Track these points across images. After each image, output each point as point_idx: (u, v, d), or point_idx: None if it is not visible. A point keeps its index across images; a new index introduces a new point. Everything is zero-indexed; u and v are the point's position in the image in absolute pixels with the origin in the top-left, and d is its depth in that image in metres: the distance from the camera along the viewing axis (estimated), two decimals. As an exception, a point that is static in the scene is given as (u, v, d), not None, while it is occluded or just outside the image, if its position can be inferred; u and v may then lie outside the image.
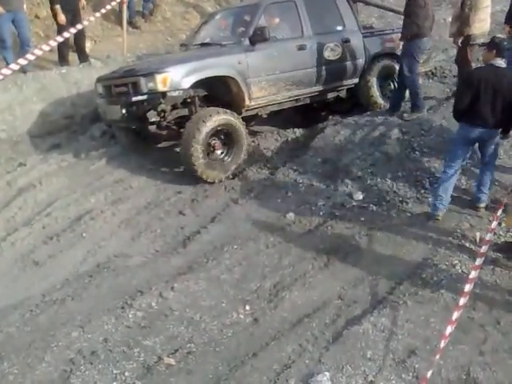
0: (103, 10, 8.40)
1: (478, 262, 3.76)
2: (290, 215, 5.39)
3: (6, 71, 6.50)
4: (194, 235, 5.27)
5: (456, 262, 4.37)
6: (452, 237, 4.68)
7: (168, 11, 10.08)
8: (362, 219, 5.17)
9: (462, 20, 6.64)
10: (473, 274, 3.52)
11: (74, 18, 7.85)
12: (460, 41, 6.77)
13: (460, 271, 4.26)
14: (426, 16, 6.40)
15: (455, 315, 3.30)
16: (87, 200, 5.93)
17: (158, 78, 5.84)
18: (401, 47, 6.52)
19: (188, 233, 5.33)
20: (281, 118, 7.39)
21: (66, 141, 7.17)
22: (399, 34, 6.74)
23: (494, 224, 4.13)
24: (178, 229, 5.43)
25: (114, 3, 8.45)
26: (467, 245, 4.56)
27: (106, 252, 5.12)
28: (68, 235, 5.37)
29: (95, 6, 9.04)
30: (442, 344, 3.17)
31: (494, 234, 4.47)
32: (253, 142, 7.01)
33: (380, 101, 7.30)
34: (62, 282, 4.69)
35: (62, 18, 7.76)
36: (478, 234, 4.61)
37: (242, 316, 4.09)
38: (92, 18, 8.08)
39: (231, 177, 6.26)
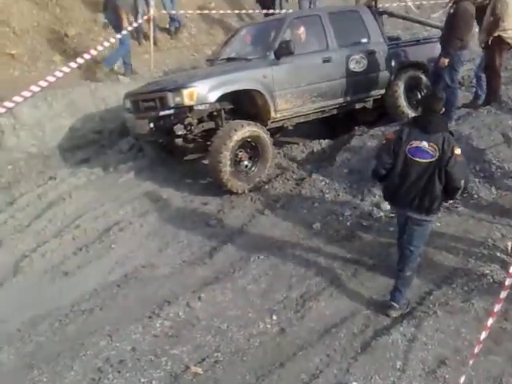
0: (130, 28, 8.60)
1: (512, 269, 3.66)
2: (317, 225, 5.36)
3: (35, 88, 6.69)
4: (221, 246, 5.28)
5: (487, 271, 4.27)
6: (483, 246, 4.59)
7: (193, 27, 10.25)
8: (391, 229, 5.10)
9: (492, 25, 6.58)
10: (508, 282, 3.43)
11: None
12: (490, 40, 6.65)
13: (491, 281, 4.16)
14: (469, 30, 6.43)
15: (490, 321, 3.23)
16: (116, 212, 6.01)
17: (185, 92, 5.93)
18: (446, 62, 6.43)
19: (214, 243, 5.35)
20: (307, 128, 7.40)
21: (94, 155, 7.32)
22: (432, 45, 6.78)
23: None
24: (204, 239, 5.45)
25: (140, 21, 8.65)
26: (498, 254, 4.46)
27: (134, 262, 5.17)
28: (97, 246, 5.44)
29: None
30: (476, 350, 3.10)
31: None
32: (278, 153, 7.03)
33: (407, 111, 7.24)
34: (90, 292, 4.75)
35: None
36: (509, 244, 4.51)
37: (268, 326, 4.07)
38: (118, 36, 8.27)
39: (257, 188, 6.27)
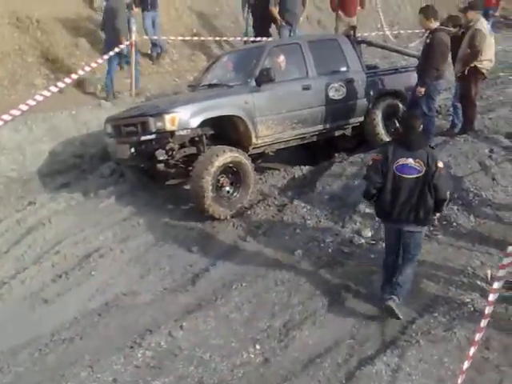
0: (111, 53, 8.65)
1: (492, 297, 3.72)
2: (299, 252, 5.38)
3: (15, 112, 6.66)
4: (203, 273, 5.26)
5: (468, 300, 4.34)
6: (463, 274, 4.66)
7: (175, 53, 10.33)
8: (372, 256, 5.16)
9: (469, 56, 6.77)
10: (488, 310, 3.49)
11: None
12: (466, 70, 6.83)
13: (472, 309, 4.23)
14: (444, 60, 6.61)
15: (472, 350, 3.27)
16: (96, 238, 5.95)
17: (167, 117, 5.96)
18: (422, 91, 6.59)
19: (197, 270, 5.33)
20: (287, 155, 7.47)
21: (75, 180, 7.26)
22: (409, 74, 7.02)
23: (506, 260, 4.11)
24: (186, 266, 5.42)
25: (122, 46, 8.69)
26: (478, 282, 4.54)
27: (115, 290, 5.12)
28: (77, 273, 5.37)
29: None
30: (460, 380, 3.13)
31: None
32: (260, 179, 7.07)
33: (386, 138, 7.35)
34: (70, 320, 4.68)
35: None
36: (489, 272, 4.58)
37: (252, 356, 4.06)
38: (100, 61, 8.31)
39: (239, 214, 6.28)
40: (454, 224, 5.37)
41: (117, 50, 8.29)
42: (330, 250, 5.38)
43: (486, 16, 8.81)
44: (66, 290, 5.13)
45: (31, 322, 4.72)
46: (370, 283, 4.74)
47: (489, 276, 4.51)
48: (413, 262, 4.36)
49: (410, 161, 4.16)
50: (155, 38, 9.70)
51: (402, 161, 4.18)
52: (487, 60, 6.84)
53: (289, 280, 4.96)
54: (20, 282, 5.26)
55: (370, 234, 5.52)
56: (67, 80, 7.70)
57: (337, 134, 7.50)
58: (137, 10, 9.25)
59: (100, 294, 5.08)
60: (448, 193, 4.19)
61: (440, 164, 4.18)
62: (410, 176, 4.16)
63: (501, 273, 3.97)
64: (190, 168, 6.19)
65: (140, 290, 5.10)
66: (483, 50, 6.73)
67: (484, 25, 6.93)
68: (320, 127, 7.16)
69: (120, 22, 8.42)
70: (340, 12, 10.55)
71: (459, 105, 7.20)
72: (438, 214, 4.54)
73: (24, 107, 6.87)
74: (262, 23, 10.07)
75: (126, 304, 4.88)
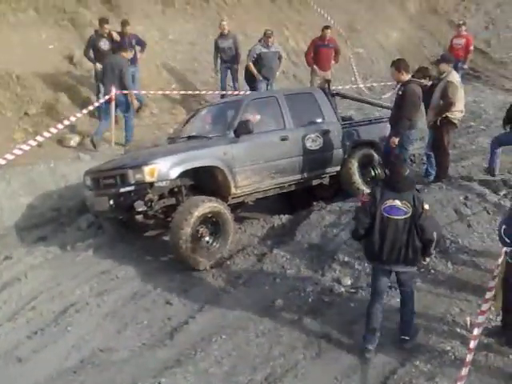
0: (91, 107, 8.79)
1: (473, 344, 3.73)
2: (279, 302, 5.34)
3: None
4: (182, 326, 5.17)
5: (448, 348, 4.33)
6: (443, 322, 4.67)
7: (155, 107, 10.48)
8: (352, 305, 5.14)
9: (442, 107, 6.98)
10: (468, 357, 3.48)
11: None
12: (438, 120, 7.03)
13: (453, 357, 4.21)
14: (417, 111, 6.81)
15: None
16: (72, 292, 5.84)
17: (146, 169, 6.00)
18: (396, 141, 6.76)
19: (175, 323, 5.23)
20: (266, 204, 7.52)
21: (52, 233, 7.18)
22: (383, 124, 7.25)
23: (485, 306, 4.14)
24: (165, 320, 5.32)
25: (102, 101, 8.83)
26: (458, 330, 4.54)
27: (91, 346, 4.99)
28: (52, 329, 5.24)
29: (84, 103, 9.41)
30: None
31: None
32: (239, 228, 7.07)
33: (362, 187, 7.47)
34: (45, 379, 4.54)
35: None
36: (468, 319, 4.60)
37: (233, 411, 3.94)
38: (79, 115, 8.41)
39: (219, 264, 6.24)
40: (432, 271, 5.40)
41: (91, 107, 8.48)
42: (310, 300, 5.35)
43: (456, 68, 9.15)
44: (41, 347, 4.99)
45: (4, 382, 4.55)
46: (350, 334, 4.71)
47: (468, 323, 4.52)
48: (412, 295, 4.53)
49: (397, 202, 4.31)
50: (135, 92, 9.86)
51: (389, 202, 4.33)
52: (458, 111, 7.07)
53: (269, 331, 4.90)
54: (-7, 339, 5.10)
55: (349, 282, 5.52)
56: (46, 134, 7.76)
57: (314, 182, 7.62)
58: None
59: (76, 350, 4.94)
60: (435, 234, 4.30)
61: (426, 206, 4.34)
62: (397, 217, 4.29)
63: (480, 319, 4.00)
64: (169, 219, 6.19)
65: (117, 346, 4.97)
66: (455, 101, 6.96)
67: (456, 77, 7.18)
68: (298, 176, 7.26)
69: (127, 79, 8.82)
70: (315, 67, 10.89)
71: (432, 154, 7.39)
72: (427, 259, 4.66)
73: (2, 161, 6.88)
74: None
75: (102, 361, 4.75)
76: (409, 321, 4.48)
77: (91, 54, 9.37)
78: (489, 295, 4.26)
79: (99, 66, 9.20)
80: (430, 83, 7.38)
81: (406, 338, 4.41)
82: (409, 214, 4.28)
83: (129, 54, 9.15)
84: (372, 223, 4.36)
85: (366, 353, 4.33)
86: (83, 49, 9.55)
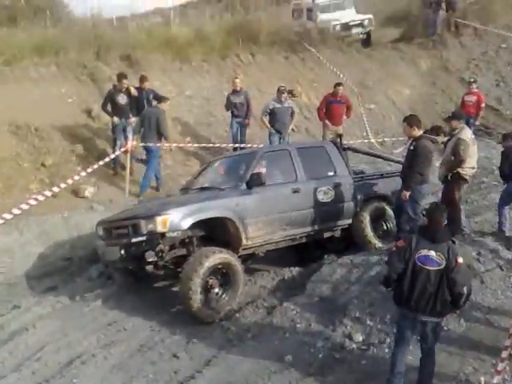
0: (107, 159, 8.97)
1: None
2: (289, 357, 5.21)
3: (7, 215, 6.75)
4: (188, 380, 5.05)
5: (463, 407, 4.16)
6: (456, 381, 4.50)
7: (170, 159, 10.66)
8: (363, 362, 5.00)
9: (453, 163, 7.00)
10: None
11: None
12: (449, 176, 7.03)
13: (468, 418, 4.03)
14: (428, 165, 6.84)
15: None
16: (79, 343, 5.77)
17: (158, 219, 6.05)
18: (407, 196, 6.79)
19: (181, 378, 5.11)
20: (277, 256, 7.47)
21: (62, 282, 7.20)
22: (394, 178, 7.30)
23: (501, 366, 4.00)
24: (171, 373, 5.21)
25: (118, 153, 9.03)
26: (472, 389, 4.38)
27: (96, 400, 4.88)
28: (57, 381, 5.15)
29: (101, 155, 9.63)
30: None
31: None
32: (249, 280, 7.01)
33: (374, 240, 7.45)
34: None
35: None
36: (482, 379, 4.42)
37: None
38: (95, 166, 8.58)
39: (228, 316, 6.15)
40: (445, 328, 5.25)
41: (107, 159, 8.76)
42: (320, 356, 5.22)
43: (467, 125, 9.24)
44: (44, 400, 4.89)
45: None
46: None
47: (482, 383, 4.35)
48: (433, 356, 4.36)
49: (432, 253, 4.26)
50: (150, 145, 10.07)
51: (424, 252, 4.28)
52: (470, 167, 7.06)
53: (278, 388, 4.76)
54: (-3, 391, 5.03)
55: (361, 339, 5.39)
56: (62, 185, 7.90)
57: (326, 235, 7.59)
58: (133, 119, 9.71)
59: (80, 404, 4.83)
60: (465, 288, 4.24)
61: (460, 260, 4.28)
62: (430, 268, 4.24)
63: (496, 379, 3.86)
64: (179, 269, 6.18)
65: (122, 400, 4.86)
66: (466, 158, 6.99)
67: (468, 134, 7.16)
68: (309, 229, 7.26)
69: (165, 129, 9.29)
70: (327, 121, 11.09)
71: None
72: (457, 311, 4.59)
73: (17, 211, 7.00)
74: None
75: (106, 416, 4.63)
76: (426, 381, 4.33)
77: (109, 107, 9.64)
78: (504, 354, 4.12)
79: (116, 119, 9.48)
80: (445, 139, 7.45)
81: None
82: (442, 266, 4.22)
83: (166, 106, 9.50)
84: (404, 269, 4.32)
85: None
86: (101, 103, 9.84)
